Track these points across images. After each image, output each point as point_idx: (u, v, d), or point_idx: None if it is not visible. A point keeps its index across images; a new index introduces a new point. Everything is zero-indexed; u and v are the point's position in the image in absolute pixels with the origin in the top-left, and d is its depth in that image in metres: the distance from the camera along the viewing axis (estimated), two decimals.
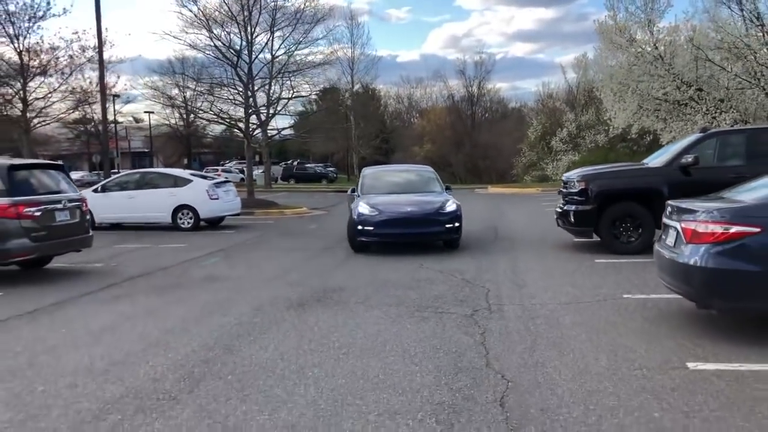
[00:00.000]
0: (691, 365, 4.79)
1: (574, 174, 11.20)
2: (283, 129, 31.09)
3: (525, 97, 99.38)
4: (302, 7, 26.11)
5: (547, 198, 22.69)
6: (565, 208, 10.81)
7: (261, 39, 26.27)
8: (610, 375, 4.63)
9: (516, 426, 3.79)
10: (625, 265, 9.19)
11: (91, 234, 10.19)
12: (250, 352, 5.42)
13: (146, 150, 68.86)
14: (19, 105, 21.93)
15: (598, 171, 11.12)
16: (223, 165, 66.74)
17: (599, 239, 10.59)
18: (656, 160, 10.66)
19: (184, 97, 45.56)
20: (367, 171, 13.90)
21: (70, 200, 9.63)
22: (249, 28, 25.32)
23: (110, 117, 41.33)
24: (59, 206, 9.35)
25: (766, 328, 5.65)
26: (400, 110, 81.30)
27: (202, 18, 24.42)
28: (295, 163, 65.71)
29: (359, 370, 4.87)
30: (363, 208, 11.21)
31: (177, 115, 61.29)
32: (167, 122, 62.80)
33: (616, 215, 10.17)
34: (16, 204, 8.65)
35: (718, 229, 5.19)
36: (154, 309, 7.23)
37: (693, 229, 5.41)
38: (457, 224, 11.05)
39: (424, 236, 11.15)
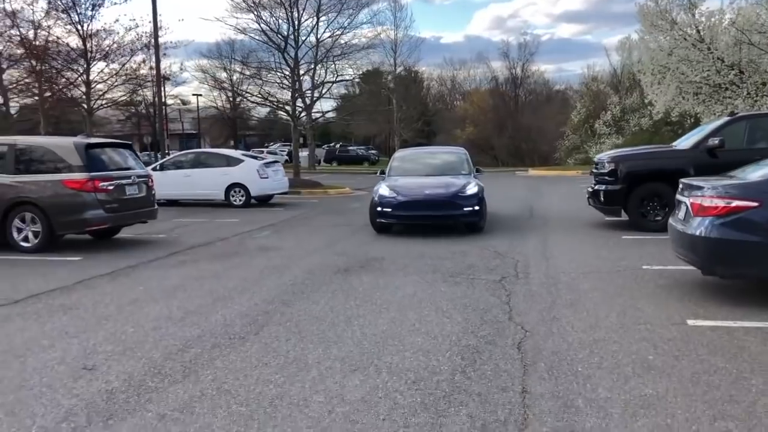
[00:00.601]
0: (690, 322, 5.44)
1: (604, 155, 11.75)
2: (327, 112, 31.95)
3: (571, 80, 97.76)
4: None
5: (587, 180, 23.00)
6: (596, 187, 11.37)
7: (307, 24, 27.11)
8: (617, 328, 5.31)
9: (529, 362, 4.52)
10: (649, 241, 9.75)
11: (156, 207, 11.20)
12: (304, 306, 6.26)
13: (194, 132, 70.64)
14: (83, 88, 23.27)
15: (628, 153, 11.65)
16: (267, 147, 68.12)
17: (628, 218, 11.13)
18: (684, 142, 11.12)
19: (231, 80, 46.83)
20: (398, 153, 14.16)
21: (138, 176, 10.63)
22: (296, 13, 26.17)
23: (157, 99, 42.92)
24: (129, 181, 10.35)
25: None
26: (443, 92, 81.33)
27: (251, 3, 25.34)
28: (338, 145, 66.69)
29: (398, 320, 5.66)
30: (383, 189, 11.37)
31: (224, 97, 62.92)
32: (214, 104, 64.54)
33: (644, 195, 10.70)
34: (92, 179, 9.65)
35: (721, 203, 5.80)
36: (217, 272, 8.14)
37: (699, 203, 6.02)
38: (477, 207, 10.90)
39: (442, 219, 11.08)
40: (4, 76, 28.10)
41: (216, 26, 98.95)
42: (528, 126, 63.26)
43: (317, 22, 27.55)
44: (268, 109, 45.44)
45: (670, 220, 6.88)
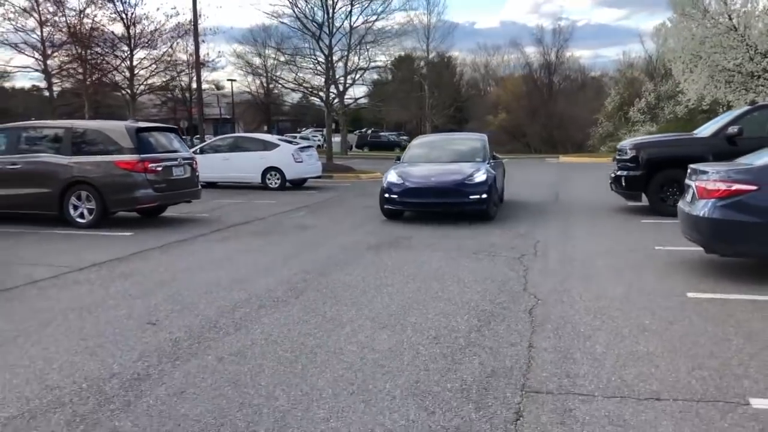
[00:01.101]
0: (690, 294, 5.95)
1: (627, 143, 12.16)
2: (360, 98, 32.58)
3: (608, 66, 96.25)
4: None
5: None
6: (618, 173, 11.81)
7: (341, 11, 27.68)
8: (621, 299, 5.86)
9: (537, 324, 5.11)
10: (668, 225, 10.16)
11: (200, 188, 11.98)
12: (338, 276, 6.92)
13: (228, 117, 71.82)
14: (126, 73, 24.29)
15: (649, 140, 12.06)
16: (300, 132, 69.08)
17: (648, 203, 11.55)
18: (705, 131, 11.47)
19: (265, 65, 47.66)
20: (416, 140, 14.20)
21: (184, 158, 11.39)
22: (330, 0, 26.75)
23: (196, 85, 44.04)
24: (175, 163, 11.11)
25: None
26: (476, 78, 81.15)
27: None
28: (369, 131, 67.29)
29: (423, 289, 6.29)
30: (391, 176, 11.36)
31: (257, 82, 63.91)
32: (248, 90, 65.68)
33: (664, 180, 11.11)
34: (143, 160, 10.43)
35: (723, 186, 6.28)
36: (258, 246, 8.85)
37: (704, 186, 6.51)
38: (484, 196, 10.72)
39: (448, 206, 11.01)
40: (48, 62, 29.37)
41: (251, 12, 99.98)
42: (561, 113, 62.93)
43: (351, 9, 28.13)
44: (300, 95, 46.21)
45: (680, 203, 7.36)
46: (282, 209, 13.29)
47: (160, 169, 10.69)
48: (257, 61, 54.66)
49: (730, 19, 20.90)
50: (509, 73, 77.22)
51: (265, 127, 66.71)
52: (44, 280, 6.93)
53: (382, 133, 65.49)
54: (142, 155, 10.44)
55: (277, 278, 6.84)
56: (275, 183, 17.45)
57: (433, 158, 12.35)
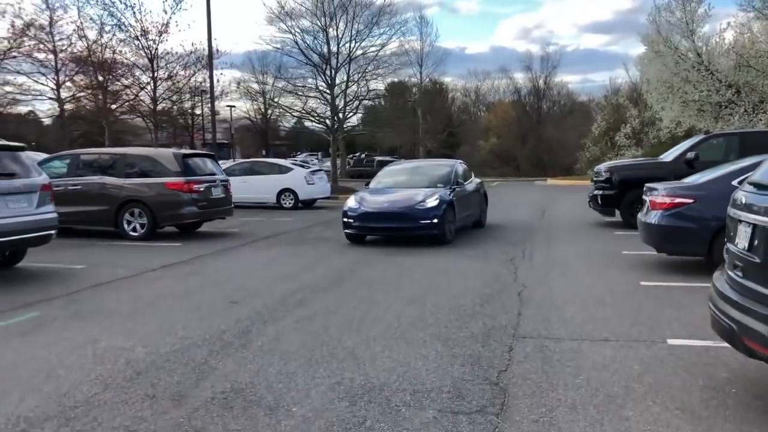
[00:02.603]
0: (642, 283, 7.73)
1: (602, 166, 14.06)
2: (357, 125, 34.53)
3: (595, 91, 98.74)
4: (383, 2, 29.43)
5: None
6: (595, 192, 13.66)
7: (344, 46, 29.74)
8: (589, 286, 7.63)
9: (524, 301, 6.86)
10: (636, 236, 11.72)
11: (233, 206, 13.72)
12: (365, 273, 8.67)
13: (225, 141, 73.52)
14: (147, 101, 26.25)
15: (621, 163, 13.97)
16: (293, 156, 71.05)
17: (621, 218, 13.38)
18: (669, 156, 13.36)
19: (263, 91, 49.67)
20: (387, 167, 14.50)
21: (221, 180, 13.15)
22: (333, 32, 28.79)
23: (197, 111, 46.06)
24: (214, 184, 12.86)
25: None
26: (467, 103, 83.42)
27: (293, 29, 28.11)
28: (363, 155, 69.24)
29: (435, 280, 8.04)
30: (350, 201, 11.83)
31: (255, 108, 65.84)
32: (247, 116, 67.61)
33: (634, 198, 12.91)
34: (188, 182, 12.18)
35: (668, 200, 8.10)
36: (292, 252, 10.59)
37: (654, 200, 8.33)
38: (435, 221, 11.01)
39: (400, 231, 11.32)
40: (61, 89, 31.06)
41: (247, 37, 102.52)
42: (550, 138, 64.99)
43: (351, 39, 30.08)
44: (295, 120, 48.17)
45: (639, 215, 9.16)
46: (301, 225, 15.03)
47: (202, 189, 12.44)
48: (255, 86, 56.80)
49: (699, 55, 22.99)
50: (499, 98, 79.44)
51: (263, 152, 68.67)
52: (129, 277, 8.64)
53: (376, 158, 67.47)
54: (188, 177, 12.20)
55: (318, 274, 8.58)
56: (289, 203, 19.23)
57: (397, 184, 12.68)
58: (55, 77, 30.64)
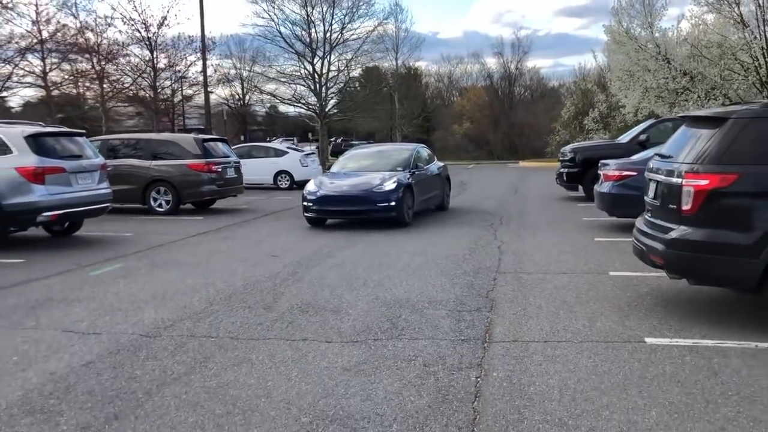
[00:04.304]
0: (596, 239, 9.71)
1: (567, 147, 16.08)
2: (339, 110, 36.22)
3: (567, 75, 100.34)
4: None
5: None
6: (561, 170, 15.67)
7: (325, 30, 31.24)
8: (554, 241, 9.58)
9: (502, 252, 8.79)
10: (595, 207, 14.02)
11: (243, 185, 15.45)
12: (371, 238, 10.52)
13: (201, 127, 74.25)
14: (150, 92, 27.73)
15: (583, 145, 16.03)
16: (269, 141, 72.33)
17: (584, 193, 15.40)
18: (625, 138, 15.40)
19: (241, 76, 51.05)
20: (350, 151, 14.74)
21: (234, 162, 14.87)
22: (322, 25, 30.44)
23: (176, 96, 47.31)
24: (228, 165, 14.58)
25: None
26: (441, 89, 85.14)
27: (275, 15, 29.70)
28: (340, 140, 70.81)
29: (432, 241, 9.95)
30: (310, 185, 12.08)
31: (230, 93, 66.82)
32: (225, 101, 68.56)
33: (594, 175, 14.91)
34: (208, 163, 13.89)
35: (617, 173, 10.09)
36: (304, 223, 12.37)
37: (606, 173, 10.31)
38: (392, 203, 11.16)
39: (357, 214, 11.53)
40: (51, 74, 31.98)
41: (222, 22, 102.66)
42: (521, 122, 67.10)
43: (330, 27, 31.56)
44: (269, 106, 49.49)
45: (595, 186, 11.14)
46: (300, 202, 16.76)
47: (219, 170, 14.16)
48: (232, 72, 57.94)
49: (657, 45, 25.10)
50: (472, 83, 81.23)
51: (242, 137, 69.89)
52: (176, 241, 10.40)
53: (353, 142, 69.02)
54: (207, 159, 13.90)
55: (334, 237, 10.43)
56: (285, 183, 20.97)
57: (358, 168, 12.83)
58: (42, 63, 31.60)
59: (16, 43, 26.17)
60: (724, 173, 4.92)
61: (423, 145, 14.98)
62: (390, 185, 11.35)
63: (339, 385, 4.12)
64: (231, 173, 14.68)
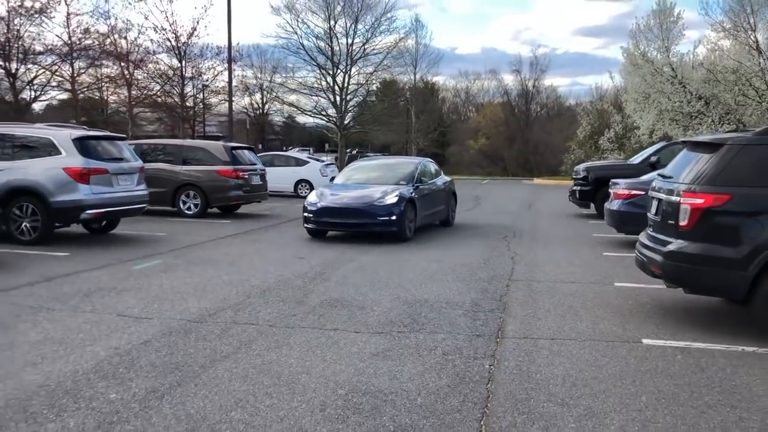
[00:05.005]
0: (605, 253, 10.25)
1: (581, 166, 16.63)
2: (357, 124, 37.02)
3: (584, 94, 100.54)
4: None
5: None
6: (574, 188, 16.21)
7: (348, 44, 32.11)
8: (563, 254, 10.13)
9: (516, 262, 9.35)
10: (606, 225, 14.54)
11: (267, 191, 16.12)
12: (393, 242, 11.11)
13: (220, 135, 75.36)
14: (177, 99, 28.69)
15: (596, 164, 16.52)
16: (285, 150, 73.30)
17: (595, 210, 15.92)
18: (636, 159, 15.92)
19: (261, 86, 52.07)
20: (355, 163, 14.62)
21: (260, 169, 15.55)
22: (345, 40, 31.30)
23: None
24: (254, 172, 15.26)
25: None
26: (457, 104, 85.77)
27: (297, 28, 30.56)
28: (356, 152, 71.55)
29: (449, 251, 10.52)
30: (311, 196, 11.96)
31: (250, 102, 67.95)
32: (245, 110, 69.70)
33: (606, 193, 15.45)
34: (236, 170, 14.57)
35: (626, 192, 10.63)
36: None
37: (616, 192, 10.85)
38: (393, 217, 11.01)
39: (357, 227, 11.37)
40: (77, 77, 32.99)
41: (243, 32, 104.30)
42: (537, 140, 67.52)
43: (353, 41, 32.43)
44: (287, 116, 50.43)
45: (605, 204, 11.68)
46: None
47: (246, 176, 14.84)
48: (253, 81, 59.00)
49: (673, 69, 25.63)
50: (488, 99, 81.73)
51: (260, 146, 70.99)
52: (208, 242, 11.04)
53: (369, 154, 69.77)
54: (235, 166, 14.58)
55: (352, 244, 11.01)
56: (305, 192, 21.58)
57: (361, 180, 12.66)
58: (70, 68, 32.62)
59: (50, 49, 27.25)
60: (718, 193, 5.48)
61: (430, 159, 14.96)
62: (391, 199, 11.22)
63: (369, 367, 4.70)
64: (256, 180, 15.34)
